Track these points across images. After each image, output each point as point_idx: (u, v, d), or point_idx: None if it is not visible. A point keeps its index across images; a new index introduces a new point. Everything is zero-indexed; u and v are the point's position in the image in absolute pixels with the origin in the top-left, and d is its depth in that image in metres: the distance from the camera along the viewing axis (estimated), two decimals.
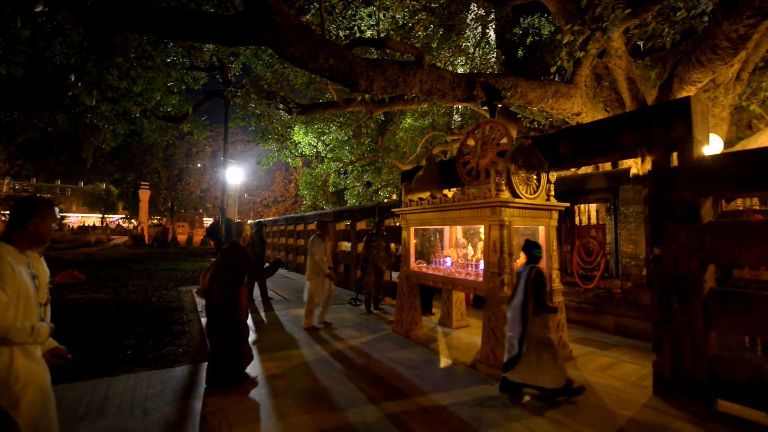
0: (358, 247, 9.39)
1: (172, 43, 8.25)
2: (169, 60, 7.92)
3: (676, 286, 3.40)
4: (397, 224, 7.93)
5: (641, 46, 8.36)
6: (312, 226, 12.82)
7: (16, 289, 1.71)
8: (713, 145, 4.22)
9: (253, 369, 4.14)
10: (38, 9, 3.46)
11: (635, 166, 5.70)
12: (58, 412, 3.03)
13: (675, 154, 3.51)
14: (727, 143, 6.30)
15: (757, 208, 5.44)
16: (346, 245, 11.14)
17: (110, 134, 10.06)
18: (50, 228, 1.91)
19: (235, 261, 3.64)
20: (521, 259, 4.62)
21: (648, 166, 3.74)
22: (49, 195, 31.75)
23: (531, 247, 3.57)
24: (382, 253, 7.24)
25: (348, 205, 15.63)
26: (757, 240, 3.01)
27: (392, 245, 8.16)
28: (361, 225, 10.05)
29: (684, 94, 5.13)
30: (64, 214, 33.11)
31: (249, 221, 36.93)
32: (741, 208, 5.55)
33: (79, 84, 3.94)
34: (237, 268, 3.65)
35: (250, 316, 6.71)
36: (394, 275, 8.64)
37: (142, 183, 33.25)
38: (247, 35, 3.96)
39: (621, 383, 3.78)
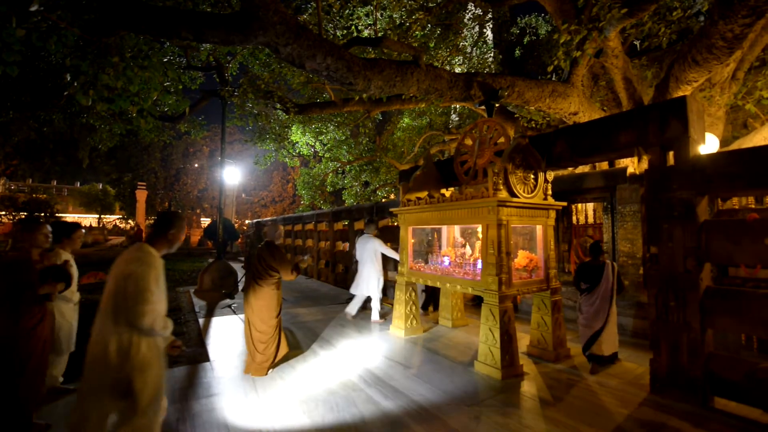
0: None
1: (168, 43, 8.21)
2: (165, 60, 7.89)
3: (673, 285, 3.41)
4: (395, 224, 7.94)
5: (638, 45, 8.39)
6: (310, 226, 12.81)
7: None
8: (709, 144, 4.25)
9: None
10: (33, 8, 3.44)
11: (632, 165, 5.73)
12: (54, 414, 3.03)
13: (671, 153, 3.53)
14: (723, 142, 6.33)
15: (753, 206, 5.48)
16: (344, 246, 11.13)
17: (107, 134, 9.99)
18: (182, 237, 2.36)
19: (271, 259, 4.01)
20: (519, 258, 4.64)
21: (644, 165, 3.76)
22: (44, 195, 31.57)
23: (598, 247, 4.28)
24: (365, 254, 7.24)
25: (346, 204, 15.62)
26: (753, 238, 3.03)
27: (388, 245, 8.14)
28: (359, 225, 10.04)
29: (680, 93, 5.15)
30: (60, 215, 32.89)
31: (247, 221, 36.86)
32: (737, 207, 5.58)
33: (75, 84, 3.91)
34: (272, 266, 4.02)
35: None
36: (394, 275, 8.64)
37: (139, 183, 33.08)
38: (244, 34, 3.95)
39: (618, 381, 3.80)
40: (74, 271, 3.28)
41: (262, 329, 3.98)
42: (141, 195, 33.08)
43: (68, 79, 4.12)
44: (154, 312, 2.02)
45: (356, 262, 6.79)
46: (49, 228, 2.95)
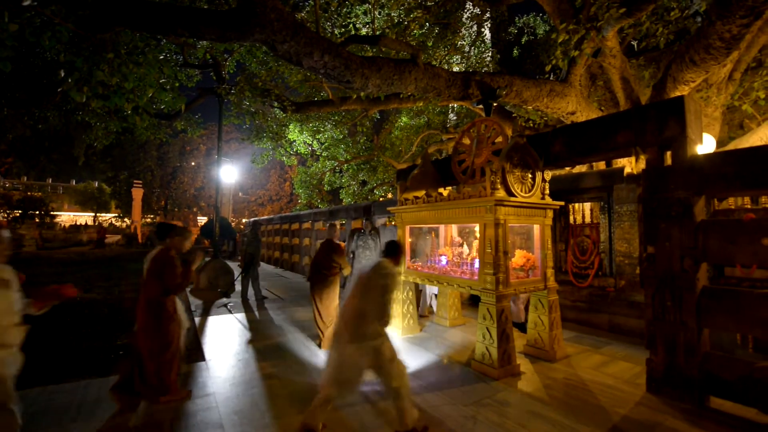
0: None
1: (164, 40, 8.15)
2: (161, 57, 7.82)
3: (670, 284, 3.42)
4: (392, 223, 7.92)
5: (635, 45, 8.40)
6: (307, 225, 12.77)
7: None
8: (706, 145, 4.26)
9: (248, 368, 4.12)
10: (26, 3, 3.40)
11: (629, 165, 5.74)
12: (50, 414, 3.00)
13: (669, 153, 3.53)
14: (720, 143, 6.36)
15: (749, 206, 5.50)
16: (342, 245, 11.09)
17: (102, 132, 9.91)
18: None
19: (334, 254, 4.91)
20: (517, 258, 4.64)
21: (642, 165, 3.77)
22: (40, 193, 31.35)
23: None
24: (370, 252, 7.25)
25: (343, 203, 15.59)
26: (750, 238, 3.03)
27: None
28: (357, 224, 10.02)
29: (677, 93, 5.16)
30: (55, 213, 32.66)
31: (244, 220, 36.75)
32: (733, 207, 5.60)
33: (69, 80, 3.86)
34: (335, 260, 4.89)
35: (244, 314, 6.68)
36: None
37: (135, 181, 32.88)
38: (241, 32, 3.92)
39: (615, 381, 3.80)
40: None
41: (332, 308, 4.79)
42: (137, 193, 32.88)
43: (62, 75, 4.07)
44: None
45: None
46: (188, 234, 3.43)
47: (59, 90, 6.11)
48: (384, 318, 2.63)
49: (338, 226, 5.12)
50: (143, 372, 2.94)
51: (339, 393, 2.59)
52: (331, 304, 4.83)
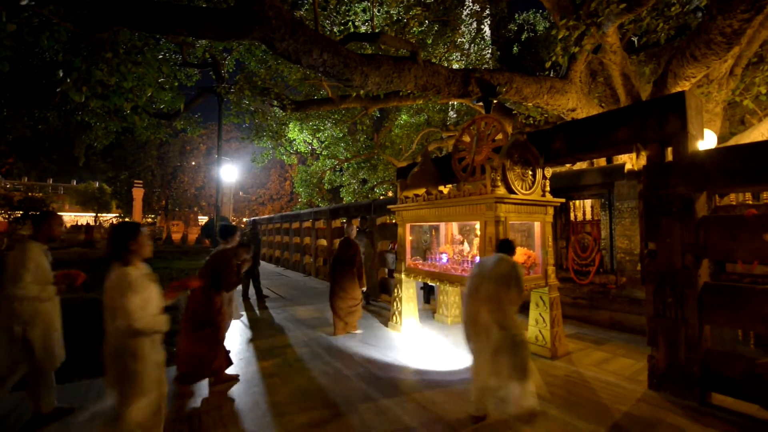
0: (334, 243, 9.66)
1: (163, 39, 8.13)
2: (160, 56, 7.81)
3: (671, 281, 3.41)
4: (393, 221, 7.92)
5: (636, 41, 8.37)
6: (308, 224, 12.77)
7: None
8: (707, 141, 4.24)
9: (250, 367, 4.12)
10: (24, 2, 3.39)
11: (630, 161, 5.72)
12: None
13: (670, 149, 3.52)
14: (721, 138, 6.33)
15: (750, 202, 5.48)
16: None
17: (102, 132, 9.91)
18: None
19: (351, 250, 5.49)
20: (517, 255, 4.63)
21: (643, 161, 3.74)
22: (40, 194, 31.37)
23: None
24: (367, 250, 7.48)
25: (344, 202, 15.58)
26: (751, 234, 3.02)
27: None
28: (356, 222, 10.01)
29: (678, 89, 5.14)
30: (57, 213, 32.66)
31: (245, 219, 36.77)
32: (734, 203, 5.58)
33: (68, 80, 3.86)
34: (352, 255, 5.47)
35: (245, 314, 6.68)
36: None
37: (136, 181, 32.88)
38: (239, 30, 3.91)
39: (616, 378, 3.80)
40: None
41: (354, 297, 5.34)
42: (138, 193, 32.89)
43: (61, 75, 4.06)
44: None
45: None
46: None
47: (58, 90, 6.11)
48: (516, 307, 2.97)
49: (355, 225, 5.98)
50: (194, 359, 3.34)
51: (497, 381, 2.81)
52: (355, 294, 5.36)
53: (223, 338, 3.63)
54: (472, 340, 2.98)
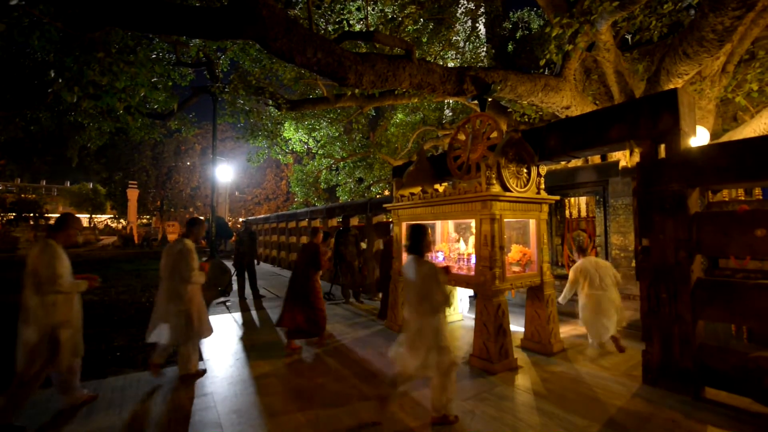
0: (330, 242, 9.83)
1: (156, 38, 8.07)
2: (153, 56, 7.75)
3: (665, 277, 3.44)
4: (389, 220, 7.92)
5: (629, 39, 8.41)
6: (304, 223, 12.74)
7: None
8: (700, 137, 4.27)
9: (246, 367, 4.11)
10: (14, 2, 3.35)
11: (624, 158, 5.76)
12: (45, 416, 2.98)
13: (663, 146, 3.54)
14: (713, 135, 6.38)
15: (743, 198, 5.53)
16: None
17: (96, 132, 9.81)
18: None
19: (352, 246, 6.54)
20: (513, 253, 4.65)
21: (636, 158, 3.77)
22: (34, 195, 31.10)
23: None
24: (351, 248, 7.59)
25: (340, 201, 15.56)
26: (743, 230, 3.05)
27: (362, 243, 8.61)
28: (353, 221, 10.01)
29: (671, 86, 5.17)
30: (50, 215, 32.40)
31: (241, 219, 36.61)
32: (727, 199, 5.63)
33: (60, 80, 3.82)
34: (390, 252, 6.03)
35: (241, 313, 6.66)
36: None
37: (130, 182, 32.67)
38: (233, 29, 3.88)
39: (612, 373, 3.83)
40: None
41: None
42: (132, 194, 32.68)
43: (53, 75, 4.03)
44: None
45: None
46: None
47: (50, 90, 6.04)
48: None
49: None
50: (302, 320, 4.65)
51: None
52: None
53: (317, 307, 4.77)
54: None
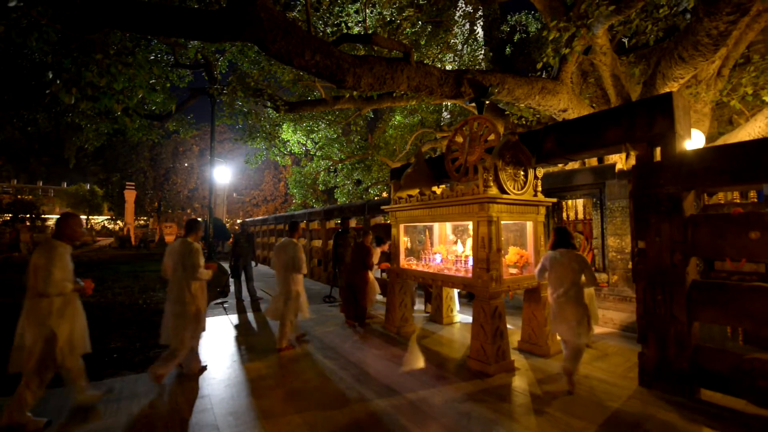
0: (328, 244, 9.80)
1: (154, 40, 8.08)
2: (151, 57, 7.75)
3: (660, 279, 3.46)
4: (387, 222, 7.93)
5: (625, 43, 8.46)
6: (302, 225, 12.73)
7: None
8: (695, 141, 4.30)
9: (243, 370, 4.10)
10: (12, 3, 3.35)
11: (620, 161, 5.79)
12: (44, 416, 2.97)
13: (658, 149, 3.57)
14: (709, 138, 6.42)
15: (738, 201, 5.57)
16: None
17: (93, 134, 9.80)
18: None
19: (366, 254, 5.91)
20: (510, 255, 4.66)
21: (632, 161, 3.80)
22: (30, 196, 30.96)
23: None
24: (350, 249, 7.52)
25: (338, 203, 15.56)
26: (738, 232, 3.08)
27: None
28: (351, 223, 10.00)
29: (667, 90, 5.21)
30: (46, 217, 32.27)
31: (238, 221, 36.54)
32: (722, 202, 5.67)
33: (57, 81, 3.82)
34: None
35: (238, 315, 6.65)
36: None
37: (128, 183, 32.54)
38: (231, 31, 3.89)
39: (608, 375, 3.84)
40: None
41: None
42: (130, 195, 32.54)
43: (51, 76, 4.02)
44: None
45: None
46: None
47: (48, 91, 6.03)
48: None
49: (371, 233, 6.52)
50: (355, 306, 5.75)
51: None
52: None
53: (365, 300, 5.73)
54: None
